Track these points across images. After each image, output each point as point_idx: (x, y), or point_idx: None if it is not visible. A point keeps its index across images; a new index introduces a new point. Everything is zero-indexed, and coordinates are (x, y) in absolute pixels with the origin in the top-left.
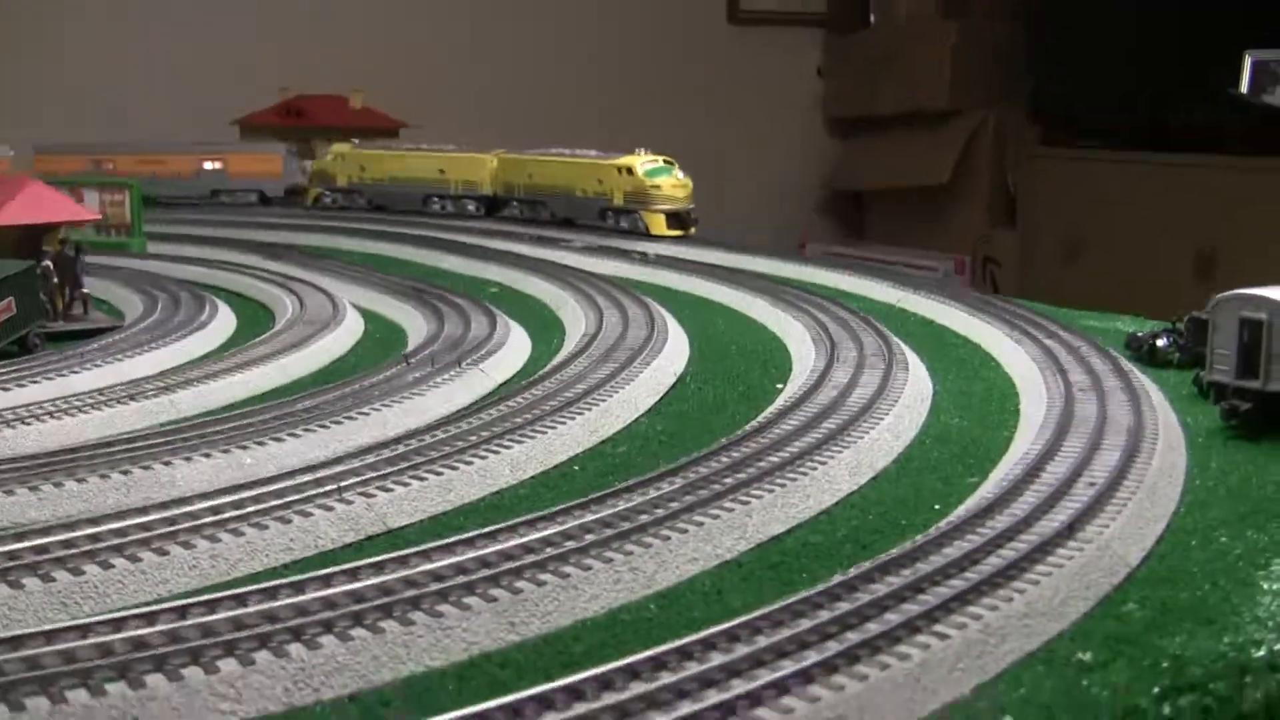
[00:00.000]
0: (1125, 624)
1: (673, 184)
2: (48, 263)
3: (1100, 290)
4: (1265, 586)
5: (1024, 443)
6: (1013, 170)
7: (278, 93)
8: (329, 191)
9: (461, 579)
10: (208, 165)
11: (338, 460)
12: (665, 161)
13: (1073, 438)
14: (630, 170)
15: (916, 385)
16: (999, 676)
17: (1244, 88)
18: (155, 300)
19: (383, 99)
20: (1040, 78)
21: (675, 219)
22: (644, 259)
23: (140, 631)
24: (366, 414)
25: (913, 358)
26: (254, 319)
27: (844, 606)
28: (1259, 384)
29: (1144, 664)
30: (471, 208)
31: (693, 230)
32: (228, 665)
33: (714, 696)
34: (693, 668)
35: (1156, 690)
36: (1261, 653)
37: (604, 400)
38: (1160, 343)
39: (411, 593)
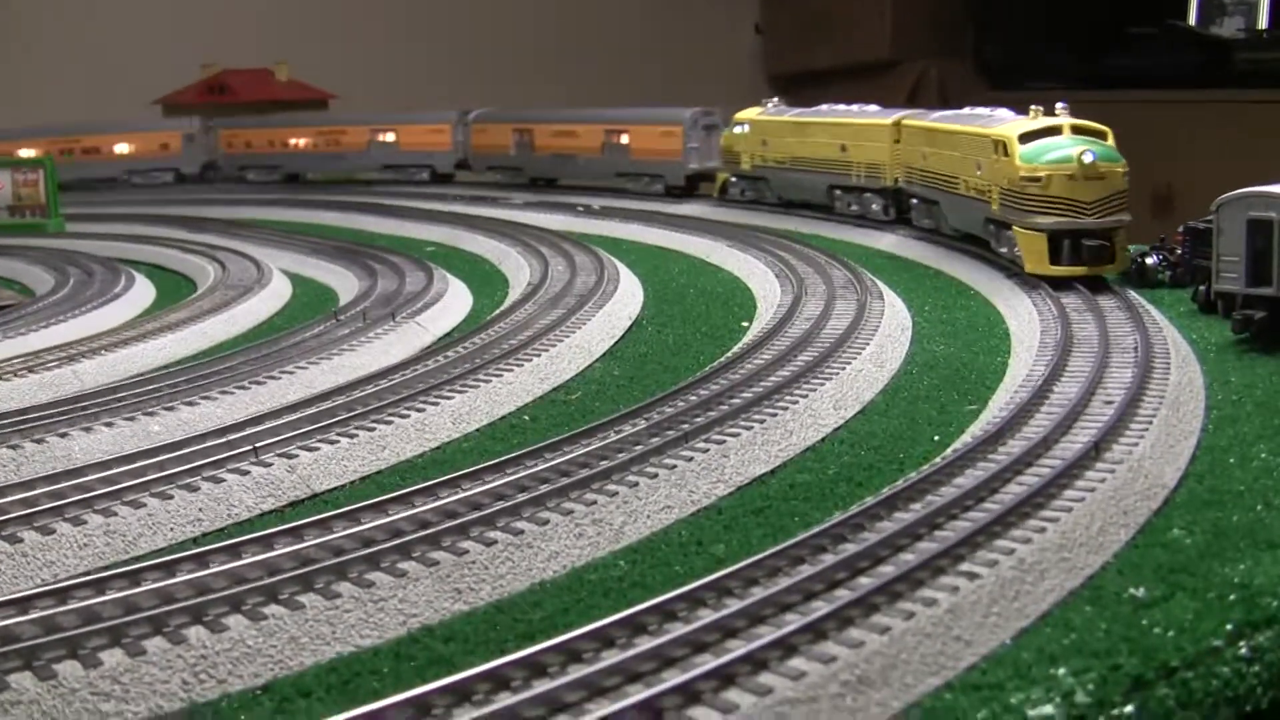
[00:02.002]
0: (1176, 552)
1: (1076, 173)
2: None
3: None
4: None
5: (1023, 366)
6: None
7: (200, 69)
8: (736, 179)
9: (395, 542)
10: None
11: (256, 420)
12: (1076, 131)
13: (1077, 357)
14: (1005, 147)
15: (894, 314)
16: (1042, 618)
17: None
18: (68, 276)
19: (307, 70)
20: (981, 28)
21: (1077, 246)
22: (588, 210)
23: (7, 622)
24: (291, 373)
25: (886, 289)
26: (175, 288)
27: (851, 549)
28: (1273, 290)
29: (1208, 597)
30: (876, 207)
31: (1125, 270)
32: (112, 657)
33: (708, 661)
34: (678, 629)
35: (1229, 627)
36: None
37: (553, 346)
38: (1149, 260)
39: (335, 560)
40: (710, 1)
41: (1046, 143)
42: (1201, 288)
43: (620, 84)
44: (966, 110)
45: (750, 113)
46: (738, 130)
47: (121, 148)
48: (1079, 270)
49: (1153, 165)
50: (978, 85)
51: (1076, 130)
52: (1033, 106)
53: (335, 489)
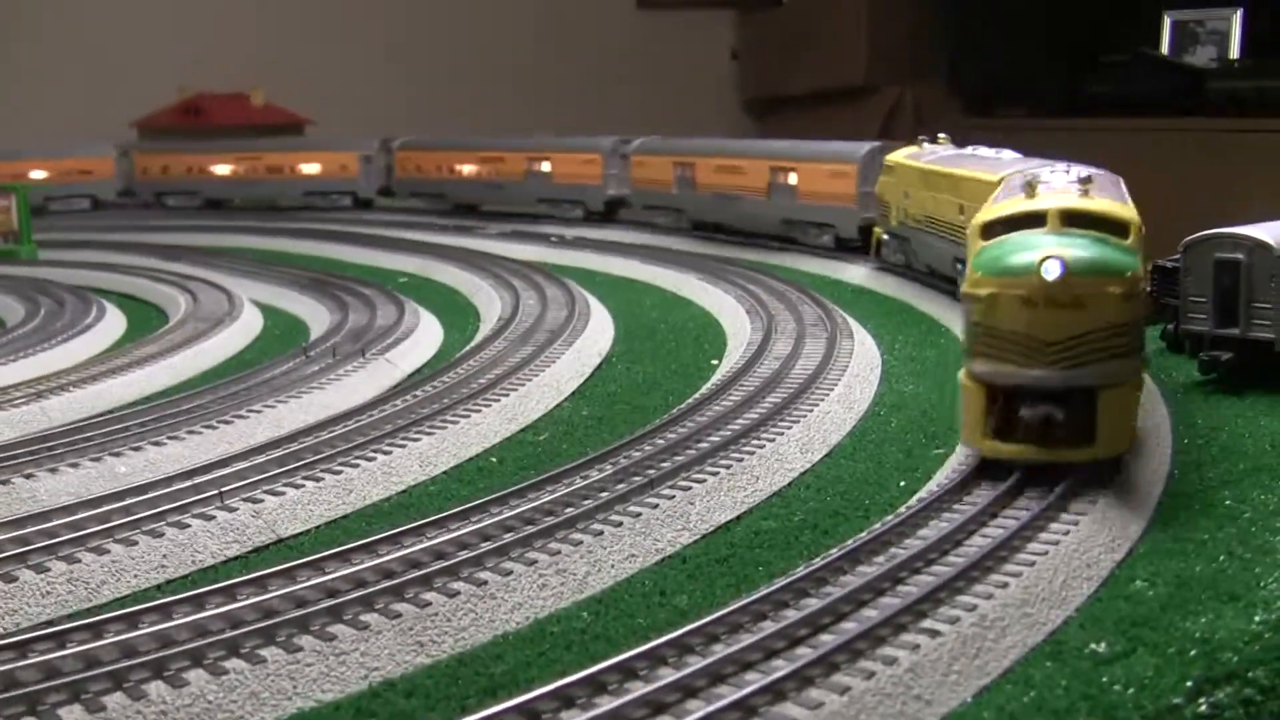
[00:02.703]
0: (1138, 605)
1: (1035, 292)
2: None
3: None
4: None
5: None
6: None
7: (176, 92)
8: (889, 235)
9: (359, 593)
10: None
11: (223, 463)
12: (1071, 221)
13: None
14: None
15: (864, 354)
16: (1003, 676)
17: (1164, 48)
18: (38, 305)
19: (282, 95)
20: (957, 53)
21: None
22: (560, 241)
23: None
24: (259, 411)
25: (855, 326)
26: (145, 320)
27: (813, 604)
28: (1239, 331)
29: (1169, 652)
30: None
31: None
32: (71, 714)
33: None
34: (638, 688)
35: (1189, 684)
36: None
37: (522, 385)
38: None
39: (299, 612)
40: (685, 28)
41: (1016, 239)
42: (1169, 326)
43: (595, 110)
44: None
45: (898, 155)
46: (884, 177)
47: (311, 168)
48: (1029, 454)
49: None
50: (952, 111)
51: (1072, 219)
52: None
53: (301, 534)
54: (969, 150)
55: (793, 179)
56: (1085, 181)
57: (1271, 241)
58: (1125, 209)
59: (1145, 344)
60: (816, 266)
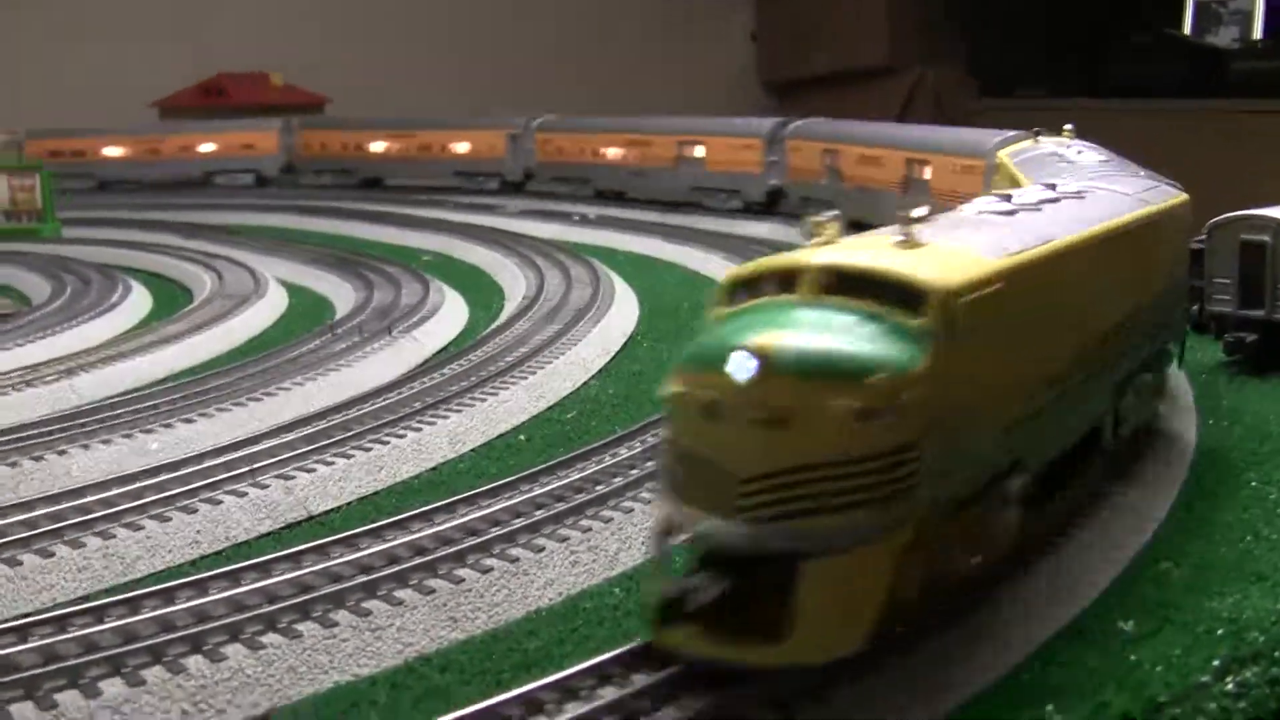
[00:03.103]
0: (1164, 586)
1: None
2: None
3: None
4: None
5: None
6: (955, 124)
7: (196, 72)
8: None
9: (392, 569)
10: (690, 152)
11: (254, 440)
12: (833, 288)
13: None
14: None
15: None
16: (1034, 655)
17: (1187, 29)
18: (64, 284)
19: (299, 74)
20: (977, 35)
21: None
22: (583, 220)
23: (7, 651)
24: (288, 389)
25: None
26: (171, 298)
27: None
28: (1264, 313)
29: (1197, 631)
30: None
31: None
32: (112, 687)
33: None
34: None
35: (1216, 663)
36: None
37: (550, 363)
38: None
39: (334, 588)
40: (703, 10)
41: (753, 313)
42: (1194, 307)
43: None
44: None
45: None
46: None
47: (461, 146)
48: (696, 644)
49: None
50: (972, 93)
51: (844, 283)
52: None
53: (332, 511)
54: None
55: (928, 174)
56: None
57: None
58: (922, 270)
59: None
60: None
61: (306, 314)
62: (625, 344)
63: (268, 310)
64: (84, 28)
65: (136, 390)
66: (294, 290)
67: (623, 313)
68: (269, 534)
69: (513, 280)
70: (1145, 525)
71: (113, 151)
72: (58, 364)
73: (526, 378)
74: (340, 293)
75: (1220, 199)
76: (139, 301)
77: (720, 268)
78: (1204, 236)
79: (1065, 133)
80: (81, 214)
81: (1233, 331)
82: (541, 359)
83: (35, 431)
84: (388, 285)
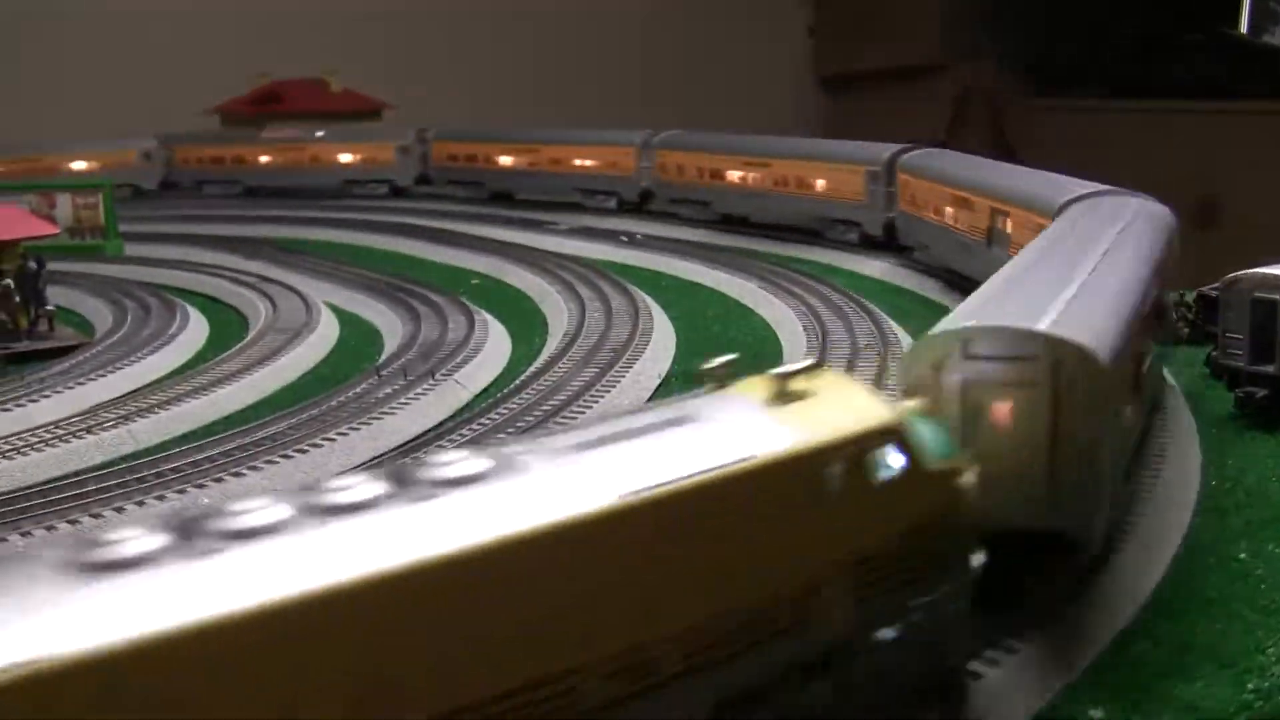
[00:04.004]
0: (1139, 668)
1: None
2: (8, 282)
3: None
4: None
5: None
6: (1008, 123)
7: (256, 78)
8: None
9: None
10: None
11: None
12: None
13: None
14: None
15: None
16: None
17: (1243, 28)
18: (125, 311)
19: (356, 80)
20: (1030, 32)
21: None
22: (631, 240)
23: None
24: (332, 440)
25: (908, 342)
26: (227, 325)
27: None
28: (1274, 369)
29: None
30: None
31: None
32: None
33: None
34: None
35: None
36: None
37: (582, 413)
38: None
39: None
40: (752, 9)
41: None
42: (1213, 352)
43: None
44: None
45: None
46: None
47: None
48: None
49: (1199, 175)
50: (1026, 91)
51: None
52: None
53: None
54: None
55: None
56: None
57: None
58: None
59: None
60: (869, 269)
61: (357, 347)
62: (659, 386)
63: (320, 344)
64: (146, 38)
65: (190, 435)
66: (344, 318)
67: (659, 353)
68: None
69: (556, 311)
70: (1133, 598)
71: (264, 159)
72: (116, 407)
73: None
74: (389, 323)
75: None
76: (196, 332)
77: (759, 298)
78: (1219, 287)
79: None
80: (136, 227)
81: (1244, 386)
82: (574, 410)
83: (95, 486)
84: (435, 318)
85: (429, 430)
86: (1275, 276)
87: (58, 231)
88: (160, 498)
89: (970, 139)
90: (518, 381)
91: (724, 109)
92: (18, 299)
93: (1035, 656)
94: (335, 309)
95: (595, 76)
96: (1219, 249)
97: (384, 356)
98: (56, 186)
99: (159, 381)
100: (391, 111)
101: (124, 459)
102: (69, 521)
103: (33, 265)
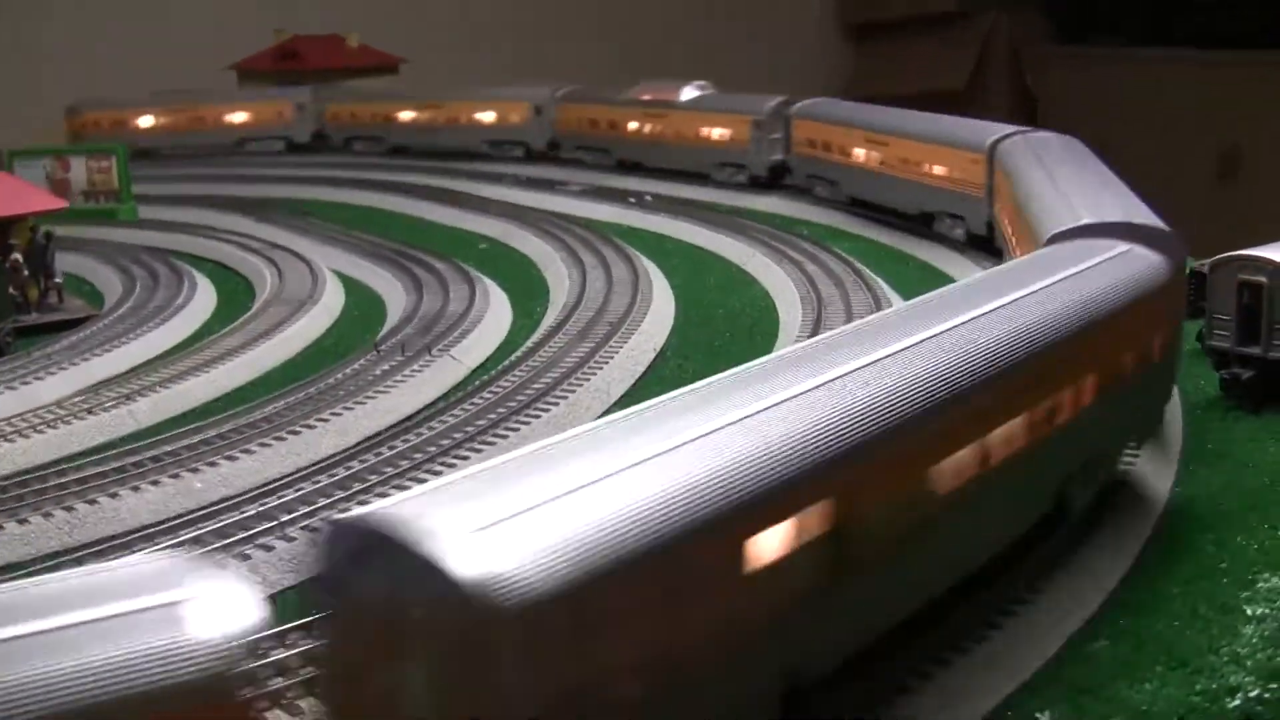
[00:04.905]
0: (1094, 668)
1: None
2: (17, 256)
3: None
4: (1249, 612)
5: None
6: (1030, 72)
7: (273, 34)
8: None
9: None
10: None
11: (286, 485)
12: None
13: None
14: None
15: None
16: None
17: None
18: (134, 280)
19: (374, 35)
20: None
21: None
22: (640, 202)
23: None
24: (326, 420)
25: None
26: (234, 294)
27: None
28: (1260, 350)
29: None
30: None
31: None
32: None
33: None
34: None
35: None
36: (1236, 701)
37: (573, 391)
38: None
39: None
40: None
41: None
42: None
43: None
44: None
45: None
46: None
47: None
48: None
49: (1219, 126)
50: (1048, 37)
51: None
52: None
53: None
54: None
55: None
56: None
57: None
58: None
59: None
60: (875, 235)
61: (360, 318)
62: (653, 362)
63: (324, 315)
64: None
65: (189, 415)
66: (349, 285)
67: (656, 324)
68: (291, 588)
69: (558, 279)
70: (1095, 596)
71: (406, 116)
72: (119, 385)
73: (550, 409)
74: (392, 291)
75: None
76: (203, 302)
77: (760, 265)
78: (1208, 269)
79: None
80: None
81: (1230, 367)
82: (567, 387)
83: (93, 471)
84: (437, 287)
85: (424, 408)
86: (1262, 258)
87: (66, 206)
88: (155, 483)
89: (994, 87)
90: (516, 355)
91: (752, 57)
92: (27, 272)
93: (992, 653)
94: (341, 276)
95: (619, 31)
96: (1242, 205)
97: (384, 329)
98: (72, 151)
99: (163, 356)
100: (406, 66)
101: (123, 439)
102: (65, 509)
103: (41, 239)
